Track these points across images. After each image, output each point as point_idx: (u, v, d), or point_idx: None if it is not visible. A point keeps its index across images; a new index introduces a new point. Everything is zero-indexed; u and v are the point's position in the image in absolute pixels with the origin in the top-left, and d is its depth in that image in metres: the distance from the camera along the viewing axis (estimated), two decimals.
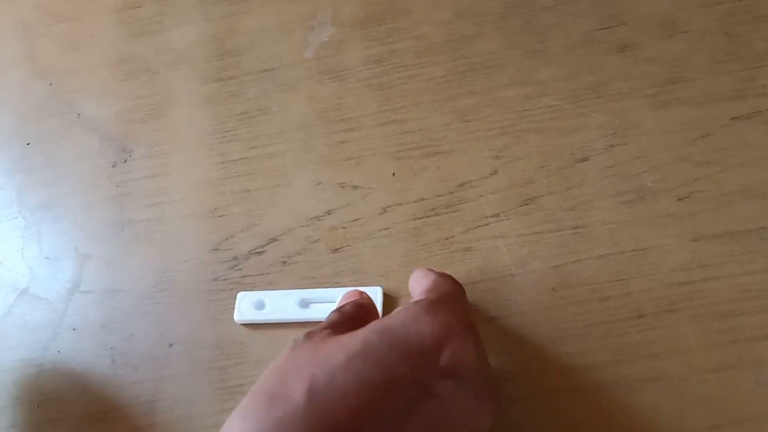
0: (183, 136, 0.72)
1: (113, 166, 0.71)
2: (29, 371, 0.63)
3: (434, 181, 0.66)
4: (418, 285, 0.53)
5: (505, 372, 0.57)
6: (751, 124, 0.64)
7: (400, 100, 0.70)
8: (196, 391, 0.60)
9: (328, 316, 0.51)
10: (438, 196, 0.65)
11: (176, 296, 0.64)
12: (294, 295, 0.62)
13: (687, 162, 0.63)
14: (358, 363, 0.42)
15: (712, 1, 0.70)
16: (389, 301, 0.61)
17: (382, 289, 0.61)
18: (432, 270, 0.54)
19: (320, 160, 0.68)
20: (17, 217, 0.70)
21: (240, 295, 0.63)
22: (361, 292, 0.57)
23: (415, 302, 0.48)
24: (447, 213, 0.64)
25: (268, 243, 0.65)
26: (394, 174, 0.67)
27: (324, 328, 0.47)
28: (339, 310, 0.52)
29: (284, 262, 0.64)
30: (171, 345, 0.62)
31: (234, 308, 0.62)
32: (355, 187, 0.67)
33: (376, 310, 0.56)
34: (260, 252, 0.65)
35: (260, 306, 0.62)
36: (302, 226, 0.66)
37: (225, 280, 0.64)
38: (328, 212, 0.66)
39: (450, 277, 0.53)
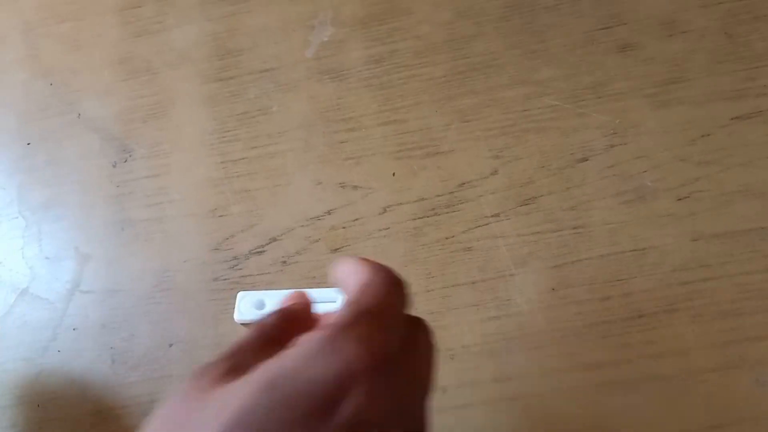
0: (183, 136, 0.72)
1: (114, 166, 0.71)
2: (30, 371, 0.63)
3: (434, 180, 0.66)
4: (346, 282, 0.41)
5: (505, 372, 0.57)
6: (752, 124, 0.64)
7: (401, 99, 0.70)
8: None
9: (248, 330, 0.41)
10: (438, 195, 0.65)
11: (176, 296, 0.64)
12: None
13: (687, 162, 0.63)
14: None
15: (713, 1, 0.70)
16: None
17: None
18: (366, 261, 0.39)
19: (320, 159, 0.68)
20: (18, 217, 0.70)
21: (240, 294, 0.62)
22: (302, 294, 0.49)
23: (313, 334, 0.34)
24: (447, 213, 0.64)
25: (269, 243, 0.65)
26: (394, 174, 0.67)
27: (225, 360, 0.36)
28: (259, 324, 0.42)
29: (284, 262, 0.64)
30: (171, 345, 0.62)
31: (234, 308, 0.62)
32: (355, 187, 0.67)
33: (310, 317, 0.48)
34: (260, 252, 0.65)
35: (260, 306, 0.62)
36: (302, 225, 0.66)
37: (225, 279, 0.64)
38: (328, 212, 0.66)
39: (385, 274, 0.38)
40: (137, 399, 0.60)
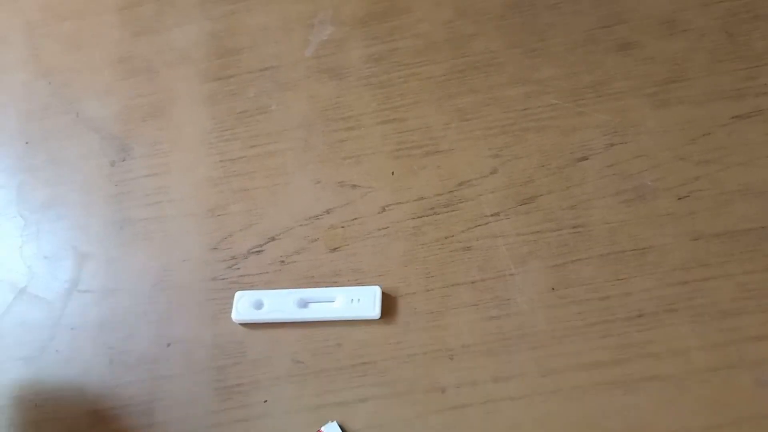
0: (183, 135, 0.72)
1: (113, 165, 0.71)
2: (28, 370, 0.62)
3: (434, 180, 0.66)
4: None
5: (505, 371, 0.57)
6: (752, 123, 0.64)
7: (400, 98, 0.70)
8: (194, 390, 0.60)
9: None
10: (437, 195, 0.65)
11: (175, 295, 0.64)
12: (292, 295, 0.61)
13: (687, 161, 0.63)
14: None
15: None
16: (388, 300, 0.61)
17: (381, 288, 0.61)
18: None
19: (320, 158, 0.68)
20: (16, 216, 0.70)
21: (238, 294, 0.62)
22: None
23: None
24: (446, 212, 0.64)
25: (267, 242, 0.65)
26: (393, 173, 0.67)
27: None
28: None
29: (283, 262, 0.64)
30: (169, 344, 0.62)
31: (232, 308, 0.62)
32: (354, 186, 0.66)
33: None
34: (259, 251, 0.65)
35: (258, 305, 0.62)
36: (301, 225, 0.65)
37: (223, 279, 0.64)
38: (327, 211, 0.66)
39: None
40: (135, 399, 0.60)
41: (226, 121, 0.72)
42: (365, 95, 0.71)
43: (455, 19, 0.73)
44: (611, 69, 0.68)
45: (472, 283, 0.61)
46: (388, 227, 0.64)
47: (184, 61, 0.76)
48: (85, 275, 0.66)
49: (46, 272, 0.67)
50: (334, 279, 0.63)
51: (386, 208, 0.65)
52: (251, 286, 0.63)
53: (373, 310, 0.60)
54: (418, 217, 0.64)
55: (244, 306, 0.62)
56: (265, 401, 0.58)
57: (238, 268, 0.64)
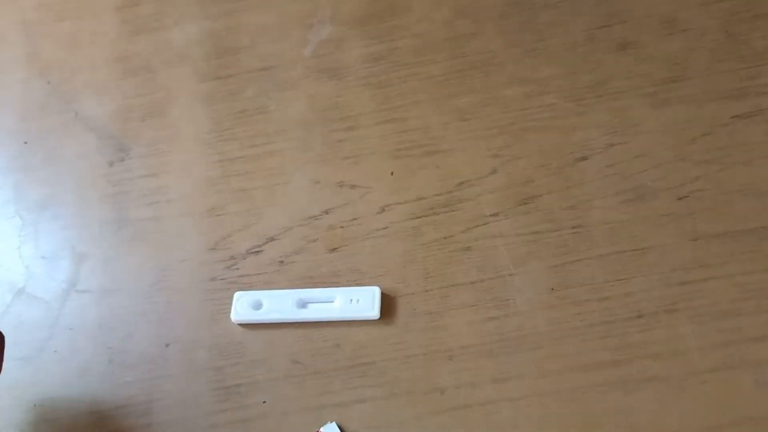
0: (181, 135, 0.71)
1: (111, 165, 0.71)
2: (26, 371, 0.62)
3: (433, 180, 0.66)
4: None
5: (504, 372, 0.57)
6: (752, 123, 0.64)
7: (399, 98, 0.70)
8: (192, 391, 0.60)
9: None
10: (437, 195, 0.65)
11: (173, 296, 0.64)
12: (291, 295, 0.61)
13: (687, 161, 0.63)
14: None
15: None
16: (387, 301, 0.61)
17: (380, 289, 0.61)
18: None
19: (318, 159, 0.68)
20: (14, 216, 0.70)
21: (237, 294, 0.62)
22: None
23: None
24: (446, 212, 0.64)
25: (266, 242, 0.65)
26: (392, 173, 0.66)
27: None
28: None
29: (282, 262, 0.64)
30: (168, 345, 0.62)
31: (231, 308, 0.62)
32: (353, 186, 0.66)
33: None
34: (258, 251, 0.65)
35: (257, 306, 0.62)
36: (300, 225, 0.65)
37: (222, 279, 0.64)
38: (326, 211, 0.66)
39: None
40: (134, 399, 0.60)
41: (224, 120, 0.71)
42: (364, 95, 0.71)
43: (454, 18, 0.73)
44: (611, 68, 0.68)
45: (472, 283, 0.61)
46: (387, 227, 0.64)
47: (183, 61, 0.76)
48: (83, 275, 0.66)
49: (44, 272, 0.67)
50: (333, 279, 0.62)
51: (385, 209, 0.65)
52: (250, 287, 0.63)
53: (372, 311, 0.60)
54: (418, 218, 0.64)
55: (243, 306, 0.62)
56: (264, 402, 0.58)
57: (237, 269, 0.64)
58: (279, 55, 0.74)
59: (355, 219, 0.65)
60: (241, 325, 0.62)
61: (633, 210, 0.62)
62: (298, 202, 0.66)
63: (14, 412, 0.61)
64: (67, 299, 0.65)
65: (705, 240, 0.59)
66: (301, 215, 0.66)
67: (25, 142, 0.73)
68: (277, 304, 0.61)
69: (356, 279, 0.62)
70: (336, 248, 0.64)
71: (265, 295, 0.62)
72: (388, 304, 0.60)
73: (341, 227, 0.65)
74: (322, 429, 0.56)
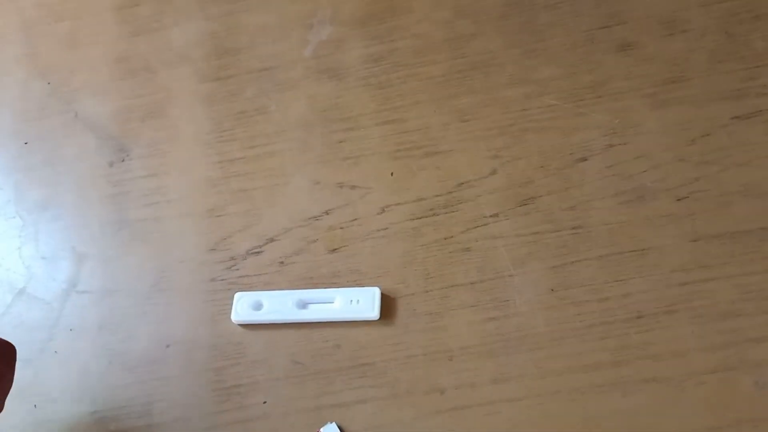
0: (181, 136, 0.72)
1: (111, 166, 0.71)
2: (26, 372, 0.62)
3: (433, 180, 0.66)
4: None
5: (504, 373, 0.57)
6: (752, 124, 0.64)
7: (399, 99, 0.70)
8: (193, 392, 0.60)
9: None
10: (437, 196, 0.65)
11: (173, 296, 0.64)
12: (291, 296, 0.61)
13: (687, 162, 0.63)
14: None
15: None
16: (387, 301, 0.61)
17: (380, 289, 0.61)
18: None
19: (318, 159, 0.68)
20: (14, 217, 0.70)
21: (237, 295, 0.62)
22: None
23: None
24: (445, 213, 0.64)
25: (266, 243, 0.65)
26: (392, 174, 0.66)
27: None
28: None
29: (282, 263, 0.64)
30: (168, 346, 0.62)
31: (231, 309, 0.62)
32: (353, 187, 0.66)
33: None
34: (258, 252, 0.65)
35: (257, 306, 0.62)
36: (300, 226, 0.65)
37: (222, 280, 0.64)
38: (326, 212, 0.66)
39: None
40: (135, 400, 0.60)
41: (224, 121, 0.71)
42: (364, 96, 0.71)
43: (454, 19, 0.73)
44: (611, 69, 0.68)
45: (472, 284, 0.61)
46: (387, 228, 0.64)
47: (183, 61, 0.76)
48: (83, 276, 0.66)
49: (45, 273, 0.67)
50: (333, 280, 0.63)
51: (385, 209, 0.65)
52: (250, 287, 0.63)
53: (373, 311, 0.60)
54: (418, 218, 0.64)
55: (243, 307, 0.62)
56: (264, 402, 0.58)
57: (237, 269, 0.64)
58: (279, 56, 0.74)
59: (355, 220, 0.65)
60: (241, 325, 0.62)
61: (633, 211, 0.62)
62: (298, 202, 0.66)
63: (15, 412, 0.61)
64: (67, 300, 0.65)
65: (704, 241, 0.60)
66: (301, 216, 0.66)
67: (25, 143, 0.73)
68: (278, 305, 0.61)
69: (356, 280, 0.62)
70: (336, 249, 0.64)
71: (265, 296, 0.62)
72: (388, 305, 0.61)
73: (341, 228, 0.65)
74: (322, 429, 0.56)
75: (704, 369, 0.55)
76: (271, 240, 0.65)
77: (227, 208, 0.67)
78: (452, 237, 0.63)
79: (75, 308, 0.65)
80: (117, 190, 0.70)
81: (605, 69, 0.68)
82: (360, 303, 0.60)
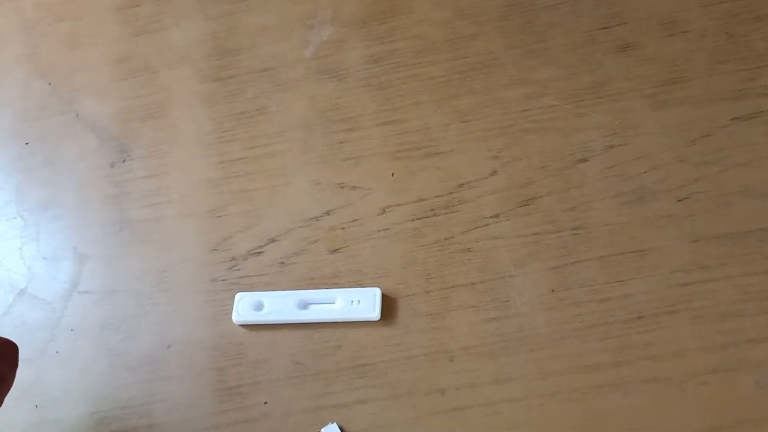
0: (182, 136, 0.72)
1: (112, 166, 0.71)
2: (28, 372, 0.62)
3: (433, 181, 0.66)
4: None
5: (504, 373, 0.57)
6: (752, 125, 0.64)
7: (400, 99, 0.70)
8: (194, 392, 0.60)
9: None
10: (437, 196, 0.65)
11: (175, 297, 0.64)
12: (292, 296, 0.61)
13: (687, 162, 0.63)
14: None
15: (713, 0, 0.70)
16: (388, 302, 0.61)
17: (381, 290, 0.61)
18: None
19: (319, 160, 0.68)
20: (16, 217, 0.70)
21: (238, 295, 0.62)
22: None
23: None
24: (446, 213, 0.64)
25: (267, 243, 0.65)
26: (393, 174, 0.67)
27: None
28: None
29: (283, 263, 0.64)
30: (169, 346, 0.62)
31: (232, 309, 0.62)
32: (354, 188, 0.66)
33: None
34: (259, 252, 0.65)
35: (259, 307, 0.62)
36: (301, 226, 0.65)
37: (223, 280, 0.64)
38: (327, 213, 0.66)
39: None
40: (136, 400, 0.60)
41: (225, 121, 0.72)
42: (365, 96, 0.71)
43: (455, 19, 0.73)
44: (611, 70, 0.68)
45: (472, 284, 0.61)
46: (388, 229, 0.64)
47: (184, 62, 0.76)
48: (84, 276, 0.66)
49: (46, 273, 0.67)
50: (334, 280, 0.63)
51: (386, 210, 0.65)
52: (251, 288, 0.63)
53: (373, 312, 0.60)
54: (418, 219, 0.64)
55: (244, 307, 0.62)
56: (265, 403, 0.58)
57: (238, 270, 0.64)
58: (279, 56, 0.74)
59: (355, 220, 0.65)
60: (242, 326, 0.62)
61: (633, 211, 0.62)
62: (298, 203, 0.66)
63: (16, 412, 0.61)
64: (68, 300, 0.65)
65: (705, 241, 0.60)
66: (302, 216, 0.66)
67: (26, 143, 0.73)
68: (278, 305, 0.61)
69: (357, 280, 0.62)
70: (337, 249, 0.64)
71: (266, 296, 0.62)
72: (388, 305, 0.61)
73: (342, 228, 0.65)
74: (323, 430, 0.56)
75: (705, 369, 0.55)
76: (272, 240, 0.65)
77: (228, 208, 0.67)
78: (453, 237, 0.63)
79: (76, 308, 0.65)
80: (118, 190, 0.70)
81: (605, 70, 0.68)
82: (361, 303, 0.60)
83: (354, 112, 0.70)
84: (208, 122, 0.72)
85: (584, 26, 0.71)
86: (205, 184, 0.69)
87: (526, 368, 0.57)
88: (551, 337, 0.58)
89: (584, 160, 0.64)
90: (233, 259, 0.65)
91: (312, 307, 0.61)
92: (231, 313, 0.62)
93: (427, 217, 0.64)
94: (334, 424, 0.57)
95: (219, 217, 0.67)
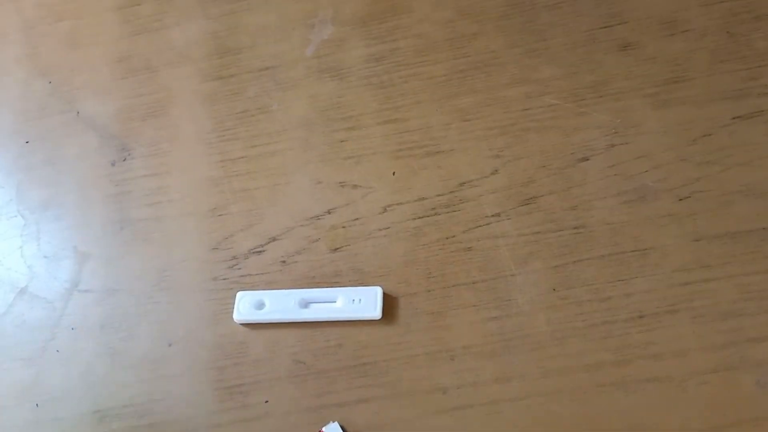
0: (183, 135, 0.72)
1: (113, 165, 0.71)
2: (28, 371, 0.62)
3: (434, 180, 0.66)
4: None
5: (506, 372, 0.57)
6: (753, 124, 0.64)
7: (401, 98, 0.70)
8: (194, 391, 0.60)
9: None
10: (438, 195, 0.65)
11: (175, 296, 0.64)
12: (293, 295, 0.61)
13: (688, 162, 0.63)
14: None
15: None
16: (389, 301, 0.61)
17: (382, 289, 0.61)
18: None
19: (320, 159, 0.68)
20: (16, 216, 0.70)
21: (239, 294, 0.62)
22: None
23: None
24: (447, 212, 0.64)
25: (268, 242, 0.65)
26: (394, 173, 0.67)
27: None
28: None
29: (284, 262, 0.64)
30: (170, 345, 0.62)
31: (233, 308, 0.62)
32: (355, 186, 0.66)
33: None
34: (260, 251, 0.65)
35: (260, 306, 0.62)
36: (302, 225, 0.65)
37: (224, 279, 0.64)
38: (328, 211, 0.66)
39: None
40: (136, 399, 0.60)
41: (226, 120, 0.72)
42: (366, 95, 0.71)
43: (456, 18, 0.73)
44: (612, 69, 0.68)
45: (473, 283, 0.61)
46: (389, 227, 0.64)
47: (184, 61, 0.76)
48: (85, 275, 0.66)
49: (47, 272, 0.67)
50: (335, 279, 0.63)
51: (387, 209, 0.65)
52: (252, 287, 0.63)
53: (374, 311, 0.60)
54: (419, 218, 0.64)
55: (245, 306, 0.62)
56: (266, 401, 0.58)
57: (239, 268, 0.64)
58: (280, 55, 0.74)
59: (356, 219, 0.65)
60: (243, 324, 0.62)
61: (634, 210, 0.62)
62: (299, 202, 0.66)
63: (16, 411, 0.61)
64: (69, 299, 0.65)
65: (706, 241, 0.60)
66: (303, 215, 0.66)
67: (27, 142, 0.73)
68: (280, 304, 0.61)
69: (358, 279, 0.62)
70: (338, 248, 0.64)
71: (267, 295, 0.62)
72: (390, 304, 0.61)
73: (343, 227, 0.65)
74: (324, 429, 0.56)
75: (706, 368, 0.55)
76: (273, 239, 0.65)
77: (229, 207, 0.67)
78: (454, 236, 0.63)
79: (77, 307, 0.65)
80: (119, 189, 0.70)
81: (606, 69, 0.68)
82: (362, 302, 0.60)
83: (355, 111, 0.70)
84: (209, 121, 0.72)
85: (585, 25, 0.71)
86: (206, 182, 0.69)
87: (527, 367, 0.57)
88: (552, 336, 0.58)
89: (585, 159, 0.64)
90: (234, 257, 0.65)
91: (313, 306, 0.61)
92: (232, 312, 0.62)
93: (428, 216, 0.64)
94: (335, 423, 0.57)
95: (220, 215, 0.67)
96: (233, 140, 0.70)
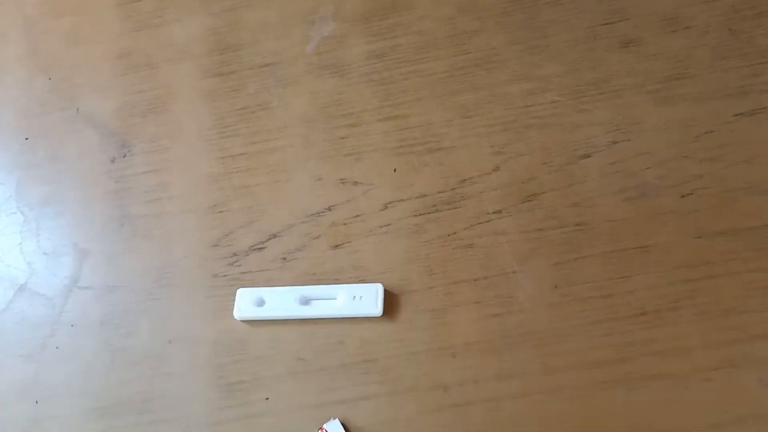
0: (183, 131, 0.71)
1: (113, 162, 0.71)
2: (28, 367, 0.62)
3: (436, 177, 0.65)
4: None
5: (507, 369, 0.57)
6: (755, 121, 0.64)
7: (402, 95, 0.70)
8: (195, 388, 0.60)
9: None
10: (439, 192, 0.65)
11: (176, 292, 0.64)
12: (294, 292, 0.61)
13: (690, 158, 0.63)
14: None
15: None
16: (390, 298, 0.60)
17: (383, 285, 0.60)
18: None
19: (321, 155, 0.68)
20: (16, 213, 0.70)
21: (240, 291, 0.62)
22: None
23: None
24: (448, 209, 0.64)
25: (268, 239, 0.65)
26: (395, 170, 0.66)
27: None
28: None
29: (284, 259, 0.64)
30: (170, 342, 0.62)
31: (233, 305, 0.62)
32: (355, 183, 0.66)
33: None
34: (260, 248, 0.65)
35: (260, 303, 0.61)
36: (302, 222, 0.65)
37: (225, 276, 0.64)
38: (329, 208, 0.65)
39: None
40: (136, 396, 0.60)
41: (226, 117, 0.71)
42: (366, 92, 0.70)
43: (457, 15, 0.73)
44: (614, 66, 0.68)
45: (475, 280, 0.61)
46: (390, 224, 0.64)
47: (185, 57, 0.76)
48: (85, 272, 0.66)
49: (46, 269, 0.67)
50: (336, 276, 0.62)
51: (388, 206, 0.65)
52: (253, 283, 0.63)
53: (376, 308, 0.60)
54: (420, 215, 0.64)
55: (246, 303, 0.62)
56: (267, 399, 0.58)
57: (240, 265, 0.64)
58: (281, 52, 0.74)
59: (357, 216, 0.65)
60: (243, 321, 0.62)
61: (636, 207, 0.62)
62: (300, 198, 0.66)
63: (16, 408, 0.61)
64: (69, 296, 0.65)
65: (708, 237, 0.59)
66: (304, 212, 0.66)
67: (27, 139, 0.73)
68: (280, 301, 0.61)
69: (359, 276, 0.62)
70: (339, 245, 0.64)
71: (267, 292, 0.62)
72: (391, 301, 0.60)
73: (344, 224, 0.65)
74: (325, 426, 0.56)
75: (708, 365, 0.55)
76: (274, 236, 0.65)
77: (229, 204, 0.67)
78: (455, 233, 0.63)
79: (77, 304, 0.64)
80: (119, 186, 0.69)
81: (608, 66, 0.68)
82: (363, 299, 0.60)
83: (356, 107, 0.70)
84: (210, 118, 0.72)
85: (586, 22, 0.71)
86: (207, 179, 0.68)
87: (529, 364, 0.57)
88: (554, 333, 0.58)
89: (587, 156, 0.64)
90: (234, 254, 0.65)
91: (314, 302, 0.61)
92: (232, 308, 0.62)
93: (429, 213, 0.64)
94: (336, 419, 0.56)
95: (220, 212, 0.67)
96: (233, 137, 0.70)
